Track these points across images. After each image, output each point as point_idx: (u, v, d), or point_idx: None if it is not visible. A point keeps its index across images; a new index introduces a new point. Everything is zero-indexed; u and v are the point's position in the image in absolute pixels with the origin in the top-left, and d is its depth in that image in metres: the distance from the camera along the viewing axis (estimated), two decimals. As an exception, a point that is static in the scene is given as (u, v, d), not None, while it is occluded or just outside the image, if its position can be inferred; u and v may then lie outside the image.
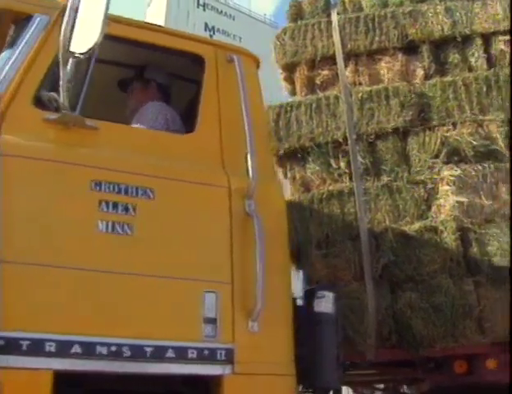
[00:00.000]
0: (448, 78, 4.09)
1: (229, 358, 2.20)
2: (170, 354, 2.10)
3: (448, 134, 3.92)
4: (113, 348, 2.02)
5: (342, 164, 3.96)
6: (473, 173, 3.80)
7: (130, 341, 2.05)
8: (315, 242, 3.81)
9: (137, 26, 2.68)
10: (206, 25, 30.00)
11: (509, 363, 3.36)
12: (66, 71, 2.16)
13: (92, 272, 2.08)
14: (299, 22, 4.43)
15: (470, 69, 4.17)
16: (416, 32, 4.23)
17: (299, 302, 2.73)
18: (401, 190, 3.86)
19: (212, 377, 2.19)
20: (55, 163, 2.17)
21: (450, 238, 3.67)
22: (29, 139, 2.15)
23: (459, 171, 3.79)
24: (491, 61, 4.17)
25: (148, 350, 2.07)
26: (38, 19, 2.43)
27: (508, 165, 3.83)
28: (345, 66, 4.19)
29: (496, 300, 3.57)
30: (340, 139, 3.97)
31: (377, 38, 4.24)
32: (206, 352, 2.17)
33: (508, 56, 4.12)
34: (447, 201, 3.77)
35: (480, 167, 3.82)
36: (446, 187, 3.79)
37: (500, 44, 4.16)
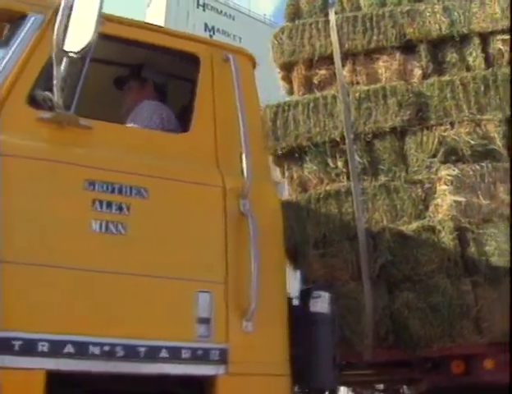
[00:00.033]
0: (446, 77, 4.08)
1: (223, 358, 2.19)
2: (163, 354, 2.09)
3: (446, 133, 3.91)
4: (106, 348, 2.01)
5: (340, 164, 3.95)
6: (471, 173, 3.79)
7: (123, 340, 2.04)
8: (312, 242, 3.80)
9: (132, 25, 2.67)
10: (206, 25, 29.99)
11: (506, 363, 3.36)
12: (60, 70, 2.16)
13: (85, 271, 2.07)
14: (296, 21, 4.42)
15: (468, 68, 4.16)
16: (414, 31, 4.22)
17: (296, 302, 2.73)
18: (399, 190, 3.85)
19: (206, 377, 2.18)
20: (48, 162, 2.16)
21: (447, 238, 3.66)
22: (22, 139, 2.14)
23: (456, 171, 3.78)
24: (488, 61, 4.16)
25: (142, 350, 2.06)
26: (33, 18, 2.42)
27: (506, 164, 3.82)
28: (343, 66, 4.18)
29: (493, 300, 3.56)
30: (338, 139, 3.96)
31: (374, 38, 4.23)
32: (200, 352, 2.16)
33: (506, 55, 4.11)
34: (445, 201, 3.76)
35: (478, 167, 3.81)
36: (444, 187, 3.78)
37: (498, 44, 4.14)
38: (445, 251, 3.65)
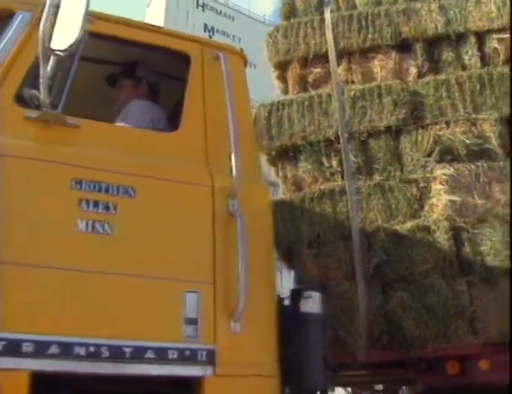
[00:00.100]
0: (441, 76, 4.05)
1: (210, 359, 2.17)
2: (149, 354, 2.07)
3: (441, 132, 3.89)
4: (91, 348, 1.99)
5: (334, 163, 3.93)
6: (466, 172, 3.77)
7: (108, 341, 2.03)
8: (306, 242, 3.78)
9: (122, 24, 2.65)
10: (205, 25, 29.93)
11: (501, 364, 3.34)
12: (47, 68, 2.14)
13: (70, 271, 2.05)
14: (292, 20, 4.40)
15: (464, 67, 4.14)
16: (409, 30, 4.20)
17: (287, 302, 2.71)
18: (393, 189, 3.83)
19: (194, 378, 2.17)
20: (35, 161, 2.15)
21: (442, 238, 3.64)
22: (9, 137, 2.13)
23: (451, 170, 3.76)
24: (484, 60, 4.14)
25: (127, 350, 2.04)
26: (21, 16, 2.41)
27: (501, 164, 3.80)
28: (338, 64, 4.16)
29: (488, 300, 3.53)
30: (333, 138, 3.93)
31: (370, 36, 4.21)
32: (187, 353, 2.14)
33: (502, 54, 4.08)
34: (440, 200, 3.74)
35: (473, 166, 3.78)
36: (439, 186, 3.76)
37: (493, 42, 4.12)
38: (440, 251, 3.63)
